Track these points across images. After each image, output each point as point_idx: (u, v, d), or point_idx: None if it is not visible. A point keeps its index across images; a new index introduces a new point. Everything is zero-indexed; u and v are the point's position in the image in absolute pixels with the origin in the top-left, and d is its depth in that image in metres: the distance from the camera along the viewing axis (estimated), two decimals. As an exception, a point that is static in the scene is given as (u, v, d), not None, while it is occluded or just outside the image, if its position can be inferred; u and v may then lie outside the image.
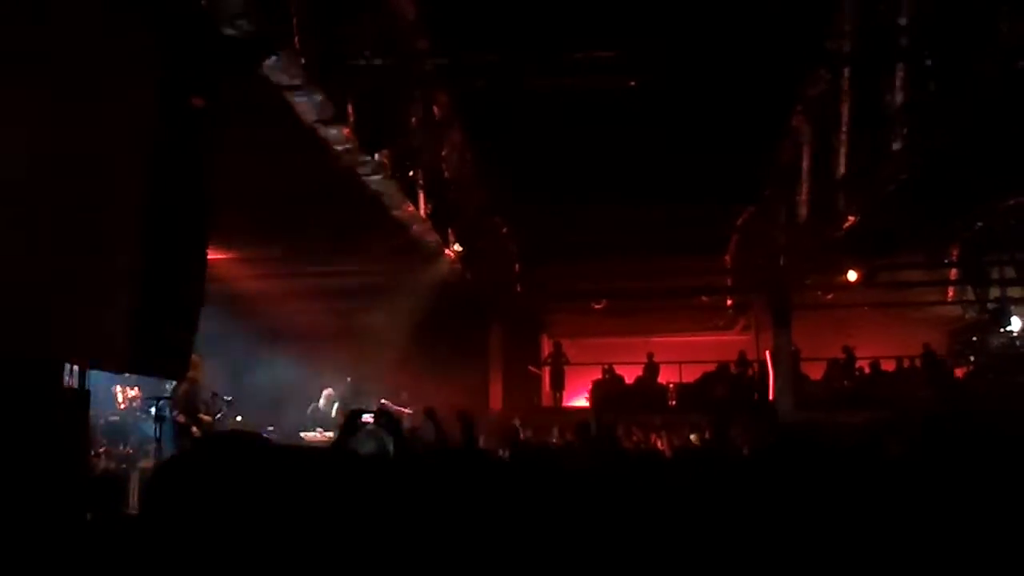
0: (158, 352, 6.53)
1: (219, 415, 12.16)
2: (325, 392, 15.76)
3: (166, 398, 11.26)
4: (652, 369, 21.45)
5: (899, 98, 11.55)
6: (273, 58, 8.15)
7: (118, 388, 14.17)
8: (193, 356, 8.54)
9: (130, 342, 6.15)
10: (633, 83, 11.48)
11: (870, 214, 13.70)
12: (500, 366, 21.31)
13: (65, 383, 6.09)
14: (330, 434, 13.62)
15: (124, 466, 11.42)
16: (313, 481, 2.11)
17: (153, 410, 11.44)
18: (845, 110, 12.86)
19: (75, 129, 5.57)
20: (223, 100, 6.85)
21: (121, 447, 12.55)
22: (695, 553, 3.38)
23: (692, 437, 15.98)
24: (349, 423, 5.07)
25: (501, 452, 10.16)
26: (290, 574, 1.90)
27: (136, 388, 14.17)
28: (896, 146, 11.73)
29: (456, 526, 3.00)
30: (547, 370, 23.00)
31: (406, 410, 15.06)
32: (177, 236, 6.56)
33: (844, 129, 12.99)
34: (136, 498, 9.43)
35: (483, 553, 2.97)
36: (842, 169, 13.25)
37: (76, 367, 6.18)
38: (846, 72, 12.71)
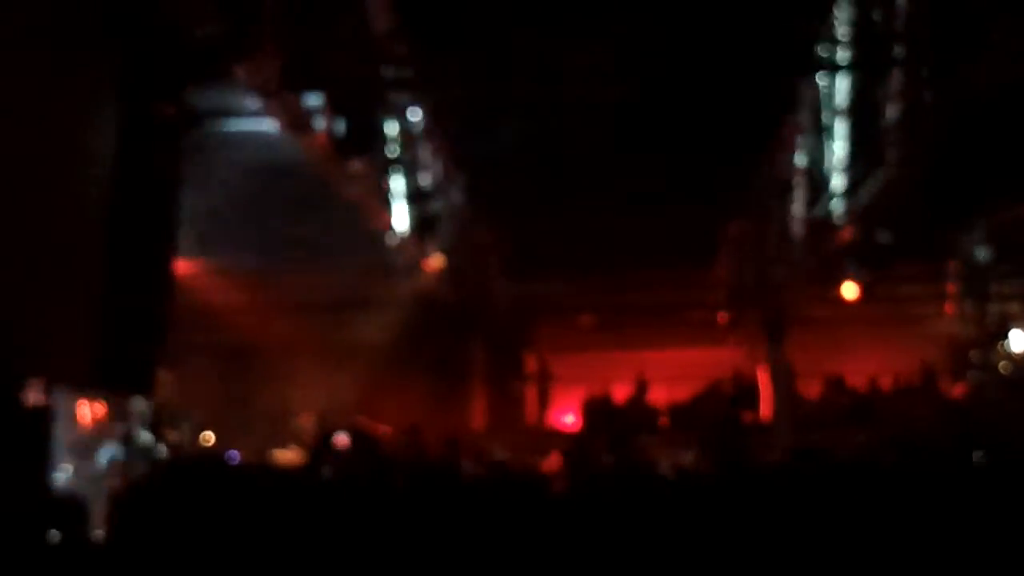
0: (124, 368, 6.62)
1: (188, 434, 12.19)
2: (300, 409, 15.78)
3: (134, 415, 11.29)
4: (642, 390, 21.53)
5: (895, 108, 11.74)
6: (245, 62, 8.25)
7: (83, 405, 14.16)
8: (161, 372, 8.61)
9: (95, 358, 6.24)
10: (621, 92, 11.64)
11: (866, 226, 13.87)
12: (483, 383, 21.33)
13: (29, 400, 6.17)
14: (300, 452, 13.67)
15: (89, 485, 11.44)
16: (279, 509, 2.20)
17: (120, 428, 11.47)
18: (839, 119, 13.04)
19: (35, 139, 5.66)
20: (191, 108, 6.94)
21: (86, 466, 12.56)
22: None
23: (685, 458, 16.07)
24: (321, 444, 5.17)
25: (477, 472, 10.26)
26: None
27: (102, 405, 14.17)
28: (892, 156, 11.91)
29: (431, 551, 3.08)
30: (532, 387, 23.01)
31: (382, 428, 15.10)
32: (142, 249, 6.65)
33: (838, 139, 13.17)
34: (102, 519, 9.47)
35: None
36: (836, 180, 13.43)
37: (40, 384, 6.25)
38: (841, 80, 12.89)
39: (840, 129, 13.13)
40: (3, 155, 5.47)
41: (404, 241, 13.99)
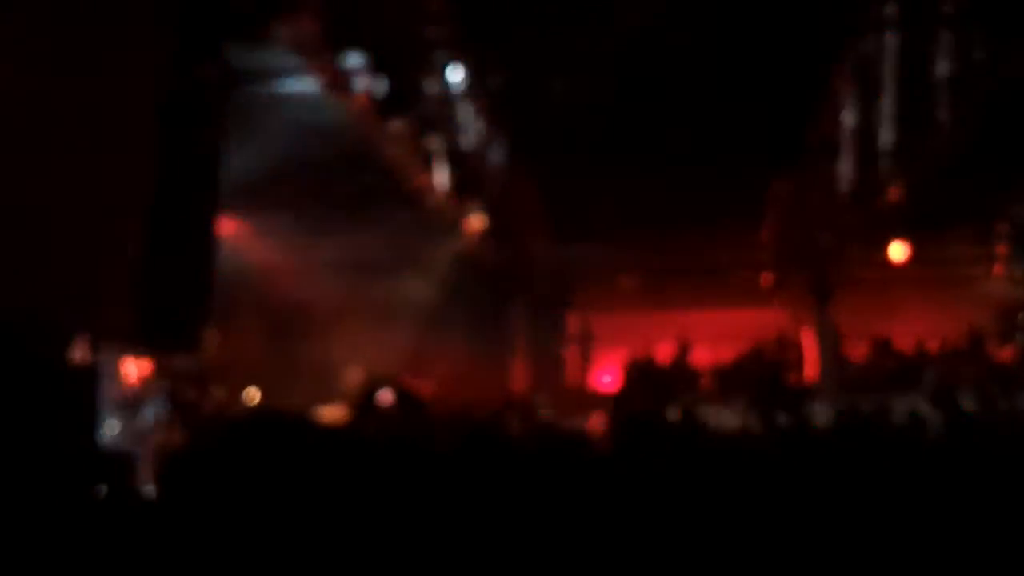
0: (169, 326, 6.74)
1: (232, 392, 12.38)
2: (344, 366, 15.96)
3: (178, 373, 11.49)
4: (684, 351, 21.48)
5: (946, 66, 11.54)
6: (286, 22, 8.28)
7: (129, 362, 14.42)
8: (206, 331, 8.75)
9: (140, 316, 6.36)
10: (668, 49, 11.53)
11: (915, 187, 13.70)
12: (524, 343, 21.39)
13: (76, 358, 6.31)
14: (344, 409, 13.84)
15: (135, 441, 11.68)
16: (328, 467, 2.25)
17: (165, 385, 11.68)
18: (891, 77, 12.84)
19: (83, 98, 5.74)
20: (234, 68, 7.00)
21: (132, 422, 12.81)
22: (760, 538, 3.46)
23: (729, 419, 16.06)
24: (366, 401, 5.23)
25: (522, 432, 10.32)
26: (304, 558, 2.06)
27: (148, 362, 14.41)
28: (943, 116, 11.73)
29: (477, 511, 3.12)
30: (573, 348, 23.03)
31: (424, 385, 15.23)
32: (186, 208, 6.75)
33: (889, 97, 12.97)
34: (148, 474, 9.68)
35: (503, 541, 3.10)
36: (886, 139, 13.25)
37: (86, 341, 6.39)
38: (892, 37, 12.68)
39: (891, 88, 12.93)
40: (51, 113, 5.56)
41: (446, 201, 14.01)
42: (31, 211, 5.48)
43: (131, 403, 13.66)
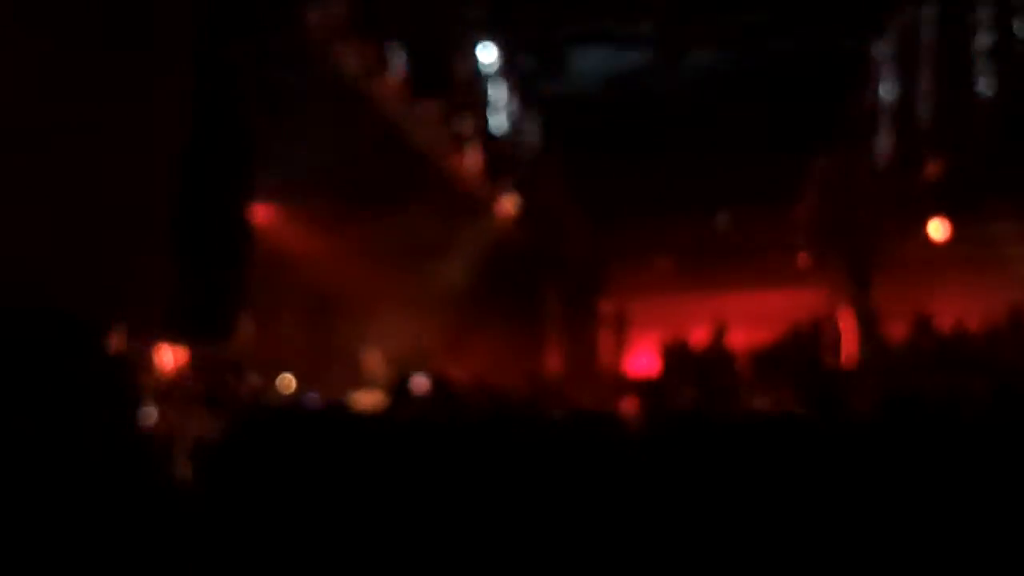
0: (204, 314, 6.74)
1: (267, 379, 12.42)
2: (373, 352, 15.99)
3: (214, 361, 11.53)
4: (721, 334, 21.35)
5: (987, 38, 11.36)
6: (316, 5, 8.26)
7: (164, 351, 14.51)
8: (241, 318, 8.76)
9: (175, 304, 6.36)
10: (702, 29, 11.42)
11: (956, 163, 13.51)
12: (558, 327, 21.35)
13: (111, 347, 6.32)
14: (378, 395, 13.86)
15: (171, 429, 11.74)
16: (364, 454, 2.22)
17: (201, 373, 11.73)
18: (930, 49, 12.64)
19: (113, 84, 5.73)
20: (265, 51, 6.98)
21: (169, 412, 12.88)
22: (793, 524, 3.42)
23: (766, 403, 15.98)
24: (400, 388, 5.21)
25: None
26: (346, 544, 2.02)
27: (183, 351, 14.49)
28: (984, 89, 11.55)
29: (511, 495, 3.09)
30: (608, 332, 22.98)
31: (458, 373, 15.23)
32: (220, 196, 6.73)
33: (929, 70, 12.78)
34: (184, 463, 9.72)
35: (540, 521, 3.07)
36: (926, 114, 13.06)
37: (121, 331, 6.40)
38: (931, 8, 12.48)
39: (929, 62, 12.73)
40: (82, 104, 5.54)
41: (478, 184, 13.97)
42: (64, 203, 5.48)
43: (166, 392, 13.77)
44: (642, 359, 22.37)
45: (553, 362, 21.00)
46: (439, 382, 10.47)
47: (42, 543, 3.60)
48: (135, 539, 3.25)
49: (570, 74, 13.18)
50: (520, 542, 3.05)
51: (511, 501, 3.17)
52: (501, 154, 14.49)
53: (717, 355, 21.05)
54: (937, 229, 17.63)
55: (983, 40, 11.49)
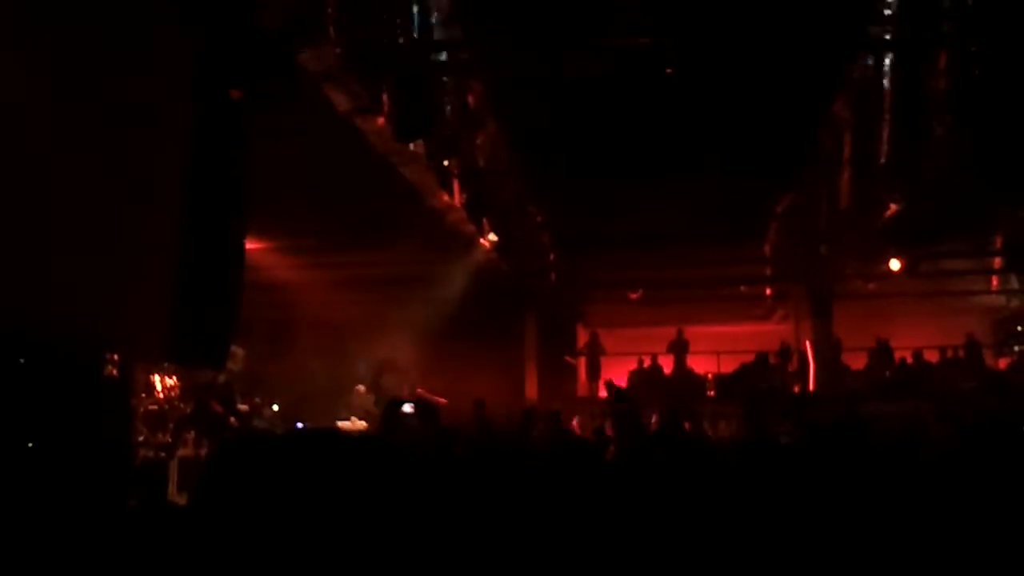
0: (198, 343, 6.69)
1: (255, 406, 12.35)
2: (358, 385, 15.94)
3: (204, 388, 11.47)
4: (681, 347, 21.38)
5: (942, 83, 11.50)
6: (308, 49, 8.28)
7: (157, 377, 14.40)
8: (233, 347, 8.71)
9: (169, 332, 6.31)
10: (670, 71, 11.51)
11: (913, 201, 13.63)
12: (535, 356, 21.36)
13: (107, 373, 6.27)
14: (363, 424, 13.79)
15: (163, 454, 11.64)
16: (362, 474, 2.19)
17: (192, 400, 11.66)
18: (888, 96, 12.79)
19: (114, 119, 5.71)
20: (260, 92, 6.98)
21: (160, 436, 12.77)
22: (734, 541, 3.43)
23: (726, 427, 16.02)
24: (390, 413, 5.17)
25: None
26: (337, 566, 1.99)
27: (175, 377, 14.39)
28: (939, 132, 11.67)
29: (504, 518, 3.08)
30: (583, 360, 23.02)
31: (441, 400, 15.18)
32: (215, 227, 6.71)
33: (887, 115, 12.92)
34: (175, 486, 9.63)
35: (529, 545, 3.05)
36: (885, 156, 13.18)
37: (117, 357, 6.35)
38: (889, 57, 12.64)
39: (887, 106, 12.87)
40: (84, 134, 5.53)
41: (460, 219, 13.98)
42: (64, 230, 5.44)
43: (160, 417, 13.65)
44: (614, 384, 22.40)
45: (530, 388, 21.01)
46: (426, 409, 10.38)
47: (34, 562, 3.54)
48: (125, 558, 3.18)
49: (546, 113, 13.22)
50: (505, 561, 3.04)
51: (497, 522, 3.15)
52: (482, 191, 14.53)
53: (684, 381, 21.11)
54: (896, 265, 17.81)
55: (938, 85, 11.63)
